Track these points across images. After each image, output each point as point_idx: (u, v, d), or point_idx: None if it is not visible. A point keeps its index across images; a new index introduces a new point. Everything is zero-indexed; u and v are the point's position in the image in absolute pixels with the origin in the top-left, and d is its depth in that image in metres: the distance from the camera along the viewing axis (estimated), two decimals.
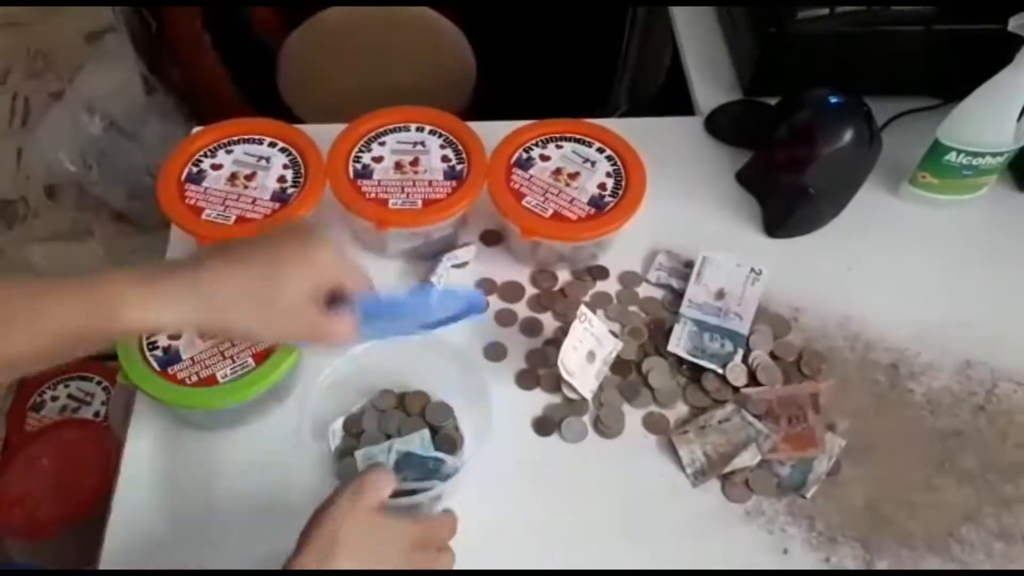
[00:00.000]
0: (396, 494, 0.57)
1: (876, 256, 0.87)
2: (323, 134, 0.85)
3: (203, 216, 0.79)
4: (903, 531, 0.70)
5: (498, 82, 1.41)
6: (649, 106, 1.41)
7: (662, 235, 0.87)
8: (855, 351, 0.80)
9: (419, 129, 0.86)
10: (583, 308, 0.76)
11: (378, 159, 0.84)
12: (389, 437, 0.72)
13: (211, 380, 0.69)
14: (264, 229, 0.67)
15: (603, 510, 0.71)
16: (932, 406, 0.77)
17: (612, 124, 0.88)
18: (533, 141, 0.86)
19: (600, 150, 0.85)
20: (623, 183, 0.83)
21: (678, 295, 0.82)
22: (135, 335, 0.69)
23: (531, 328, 0.81)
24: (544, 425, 0.75)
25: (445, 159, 0.84)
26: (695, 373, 0.77)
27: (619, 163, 0.84)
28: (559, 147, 0.86)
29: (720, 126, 0.97)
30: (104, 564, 0.67)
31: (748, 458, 0.72)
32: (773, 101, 0.92)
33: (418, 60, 1.40)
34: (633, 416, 0.75)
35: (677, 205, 0.89)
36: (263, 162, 0.83)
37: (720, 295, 0.82)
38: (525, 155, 0.85)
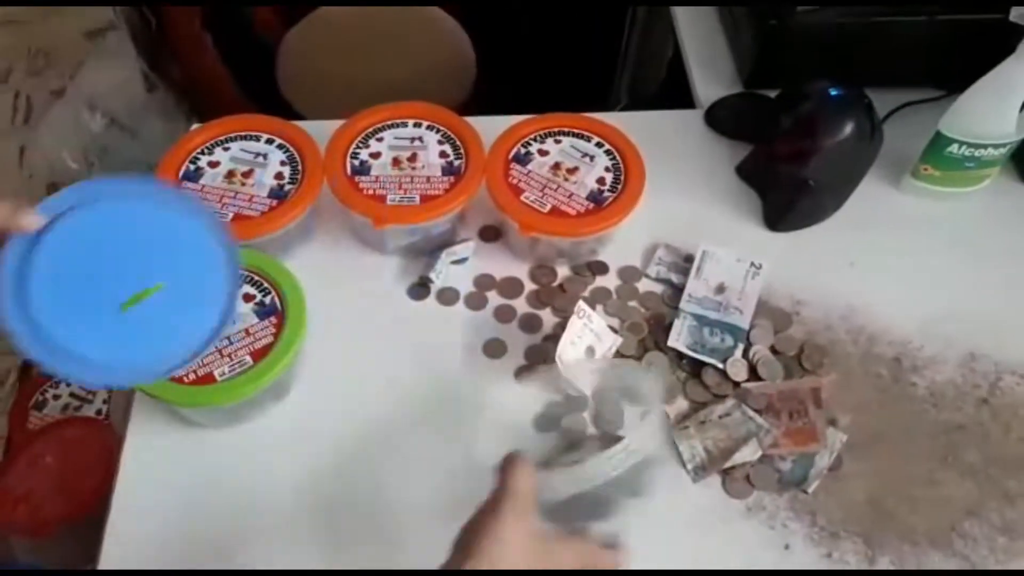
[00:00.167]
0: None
1: (878, 249, 0.86)
2: (320, 130, 0.85)
3: None
4: (905, 526, 0.70)
5: (498, 78, 1.40)
6: (650, 101, 1.40)
7: (662, 230, 0.86)
8: (858, 345, 0.80)
9: (417, 125, 0.86)
10: (581, 303, 0.75)
11: (376, 155, 0.83)
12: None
13: (209, 378, 0.68)
14: None
15: None
16: (935, 400, 0.77)
17: (611, 118, 0.87)
18: (531, 136, 0.85)
19: (599, 144, 0.85)
20: (622, 178, 0.82)
21: (678, 290, 0.82)
22: None
23: (530, 324, 0.80)
24: (544, 422, 0.74)
25: (443, 155, 0.84)
26: (695, 368, 0.77)
27: (618, 157, 0.84)
28: (557, 142, 0.85)
29: (720, 119, 0.96)
30: (103, 563, 0.67)
31: (749, 453, 0.71)
32: (774, 94, 0.91)
33: (418, 56, 1.39)
34: (632, 412, 0.75)
35: (677, 199, 0.89)
36: (260, 159, 0.83)
37: (720, 289, 0.81)
38: (523, 150, 0.84)
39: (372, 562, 0.66)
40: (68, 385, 1.40)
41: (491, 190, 0.81)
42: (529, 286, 0.83)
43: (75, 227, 0.57)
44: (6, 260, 0.55)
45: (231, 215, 0.79)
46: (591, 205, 0.80)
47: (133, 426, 0.74)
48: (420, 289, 0.82)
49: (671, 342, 0.77)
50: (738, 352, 0.77)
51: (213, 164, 0.82)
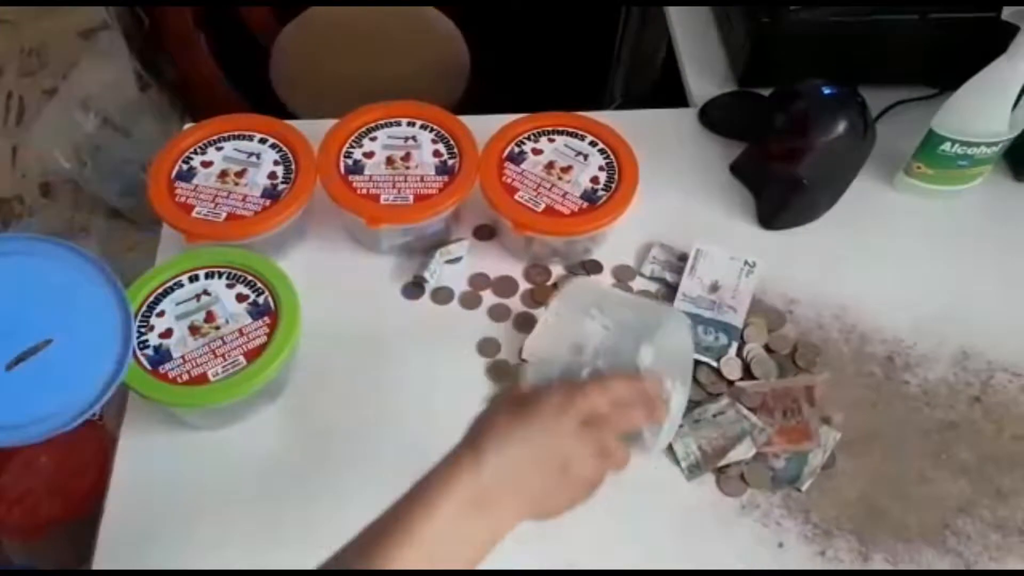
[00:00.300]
0: None
1: (871, 248, 0.87)
2: (314, 130, 0.85)
3: (193, 214, 0.78)
4: (899, 523, 0.70)
5: (491, 77, 1.40)
6: (643, 100, 1.40)
7: (656, 228, 0.86)
8: (850, 343, 0.80)
9: (410, 124, 0.86)
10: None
11: (369, 154, 0.83)
12: None
13: (202, 378, 0.68)
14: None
15: (597, 505, 0.70)
16: (928, 398, 0.77)
17: (605, 117, 0.87)
18: (525, 135, 0.85)
19: (593, 143, 0.85)
20: (616, 176, 0.82)
21: (672, 288, 0.82)
22: None
23: (525, 323, 0.80)
24: None
25: (437, 154, 0.83)
26: None
27: (612, 156, 0.84)
28: (551, 141, 0.85)
29: (714, 118, 0.96)
30: (97, 563, 0.67)
31: (743, 451, 0.71)
32: (767, 92, 0.91)
33: (411, 55, 1.39)
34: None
35: (671, 198, 0.89)
36: (253, 158, 0.83)
37: (714, 288, 0.81)
38: (517, 149, 0.84)
39: None
40: None
41: (485, 189, 0.81)
42: (524, 285, 0.83)
43: None
44: None
45: (224, 215, 0.79)
46: (585, 204, 0.80)
47: (127, 427, 0.74)
48: (414, 288, 0.82)
49: None
50: (732, 351, 0.77)
51: (206, 164, 0.82)
